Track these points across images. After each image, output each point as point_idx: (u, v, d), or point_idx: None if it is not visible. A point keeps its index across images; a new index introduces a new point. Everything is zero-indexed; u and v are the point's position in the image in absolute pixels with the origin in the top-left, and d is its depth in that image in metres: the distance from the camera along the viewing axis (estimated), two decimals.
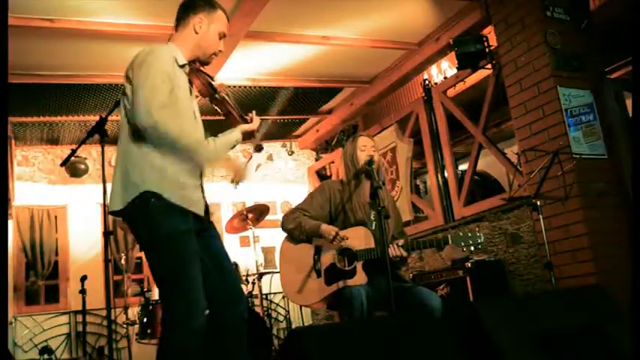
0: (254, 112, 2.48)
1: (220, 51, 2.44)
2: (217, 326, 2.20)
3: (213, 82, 2.39)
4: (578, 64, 3.99)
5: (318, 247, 3.13)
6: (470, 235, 2.94)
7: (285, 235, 3.27)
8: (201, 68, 2.42)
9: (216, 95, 2.39)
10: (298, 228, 3.12)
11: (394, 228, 3.22)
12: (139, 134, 2.12)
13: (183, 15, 2.37)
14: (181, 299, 2.06)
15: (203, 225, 2.27)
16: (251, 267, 5.89)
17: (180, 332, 2.03)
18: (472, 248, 2.94)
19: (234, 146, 2.41)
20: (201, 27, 2.34)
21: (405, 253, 2.98)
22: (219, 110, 2.43)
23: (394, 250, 2.95)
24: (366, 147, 3.19)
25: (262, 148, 2.57)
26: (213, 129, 2.37)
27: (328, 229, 3.02)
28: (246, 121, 2.44)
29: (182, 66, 2.28)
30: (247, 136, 2.41)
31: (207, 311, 2.12)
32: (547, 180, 3.43)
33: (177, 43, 2.34)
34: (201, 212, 2.23)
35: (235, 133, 2.38)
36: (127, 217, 2.17)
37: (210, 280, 2.18)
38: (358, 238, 3.05)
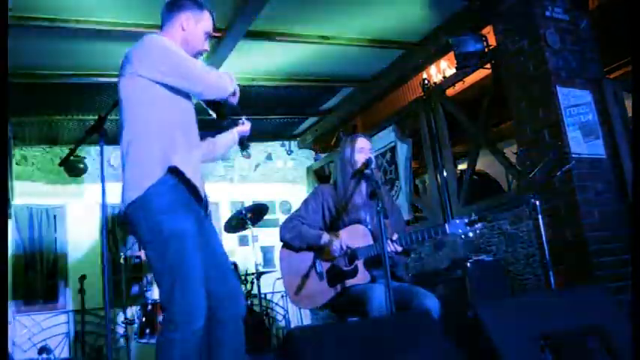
0: (244, 117, 2.58)
1: (206, 50, 2.47)
2: (216, 322, 2.21)
3: None
4: (578, 64, 3.99)
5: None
6: (467, 220, 2.89)
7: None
8: None
9: None
10: (298, 237, 3.11)
11: (395, 228, 3.20)
12: (147, 121, 2.17)
13: (169, 14, 2.39)
14: (183, 300, 2.06)
15: (204, 213, 2.28)
16: (250, 266, 5.89)
17: (181, 333, 2.03)
18: (470, 233, 2.88)
19: (232, 146, 2.55)
20: (188, 24, 2.36)
21: (399, 248, 2.93)
22: (209, 110, 2.47)
23: (390, 246, 2.92)
24: (363, 148, 3.18)
25: (250, 155, 2.60)
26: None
27: (330, 239, 3.03)
28: (236, 124, 2.53)
29: None
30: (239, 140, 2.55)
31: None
32: (546, 180, 3.43)
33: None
34: (202, 197, 2.27)
35: (232, 135, 2.53)
36: (139, 206, 2.11)
37: (209, 276, 2.18)
38: (357, 237, 3.04)
